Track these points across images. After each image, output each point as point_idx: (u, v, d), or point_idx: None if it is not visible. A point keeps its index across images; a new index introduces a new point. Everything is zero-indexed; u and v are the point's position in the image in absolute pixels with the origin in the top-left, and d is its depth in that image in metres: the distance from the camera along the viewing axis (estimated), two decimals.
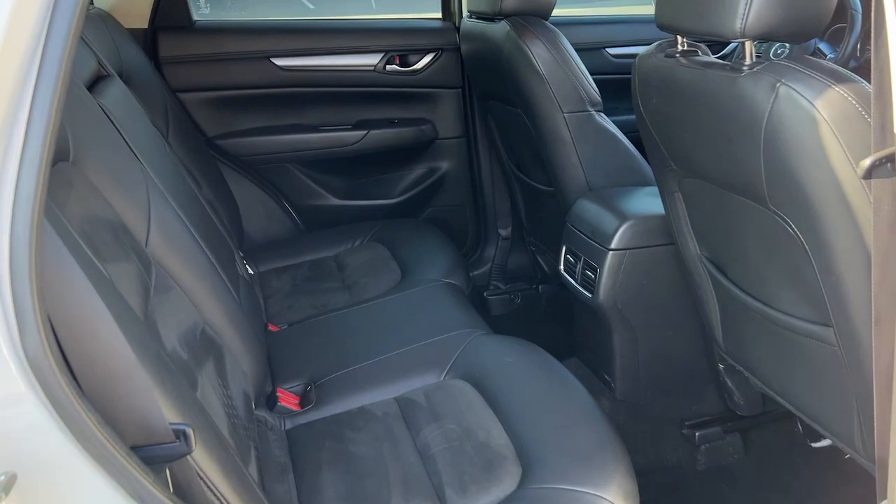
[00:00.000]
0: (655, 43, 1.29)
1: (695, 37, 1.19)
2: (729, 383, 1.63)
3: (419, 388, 1.38)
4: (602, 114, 1.76)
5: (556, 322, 2.38)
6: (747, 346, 1.43)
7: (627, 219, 1.57)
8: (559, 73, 1.69)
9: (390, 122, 2.31)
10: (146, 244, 1.15)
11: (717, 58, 1.18)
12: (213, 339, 1.23)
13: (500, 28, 1.76)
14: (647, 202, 1.65)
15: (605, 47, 2.42)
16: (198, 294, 1.23)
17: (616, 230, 1.57)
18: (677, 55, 1.20)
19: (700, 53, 1.21)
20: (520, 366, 1.38)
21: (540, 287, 2.47)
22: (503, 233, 2.47)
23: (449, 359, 1.43)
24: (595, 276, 1.61)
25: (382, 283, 1.84)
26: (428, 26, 2.29)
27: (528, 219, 2.28)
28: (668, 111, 1.23)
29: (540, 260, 2.42)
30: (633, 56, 2.49)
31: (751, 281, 1.32)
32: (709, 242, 1.40)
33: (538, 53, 1.68)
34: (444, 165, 2.40)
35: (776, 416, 1.70)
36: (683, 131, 1.21)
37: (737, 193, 1.19)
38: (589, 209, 1.69)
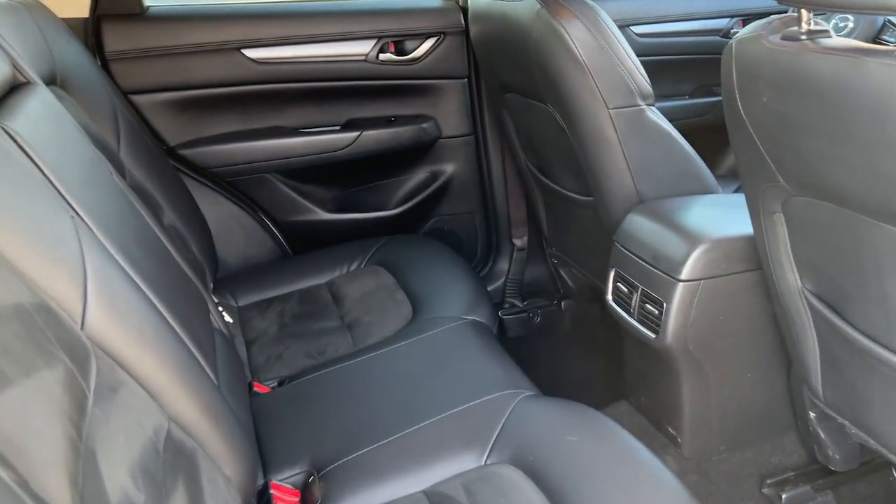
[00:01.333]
0: (758, 22, 0.97)
1: (823, 11, 0.89)
2: (821, 434, 1.34)
3: (455, 478, 1.06)
4: (654, 108, 1.44)
5: (585, 345, 2.07)
6: (860, 398, 1.13)
7: (701, 241, 1.26)
8: (604, 61, 1.37)
9: (386, 121, 1.98)
10: (82, 325, 0.82)
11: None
12: (182, 445, 0.89)
13: (527, 6, 1.43)
14: (718, 217, 1.34)
15: (629, 25, 2.09)
16: (160, 382, 0.89)
17: (687, 256, 1.26)
18: (802, 37, 0.88)
19: (832, 34, 0.90)
20: (584, 447, 1.07)
21: (563, 303, 2.16)
22: (518, 243, 2.15)
23: (490, 435, 1.11)
24: (660, 311, 1.30)
25: (391, 322, 1.51)
26: (428, 6, 1.95)
27: (551, 228, 1.96)
28: (788, 112, 0.91)
29: (563, 273, 2.10)
30: (662, 35, 2.20)
31: (879, 326, 1.02)
32: (819, 275, 1.09)
33: (578, 37, 1.35)
34: (450, 168, 2.07)
35: (874, 467, 1.42)
36: (813, 140, 0.89)
37: (885, 222, 0.88)
38: (646, 227, 1.37)
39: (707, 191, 1.50)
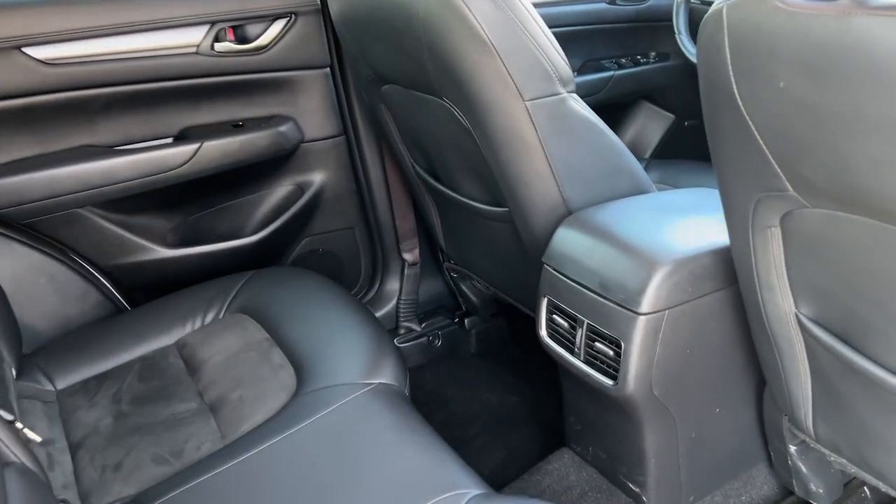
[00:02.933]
0: None
1: None
2: (803, 468, 1.14)
3: None
4: (575, 95, 1.16)
5: (498, 369, 1.80)
6: (870, 437, 0.92)
7: (661, 263, 1.00)
8: (515, 40, 1.07)
9: (232, 127, 1.58)
10: None
11: None
12: None
13: None
14: (673, 228, 1.09)
15: None
16: None
17: (647, 283, 0.99)
18: None
19: None
20: None
21: (466, 321, 1.87)
22: (409, 257, 1.83)
23: None
24: (617, 353, 1.03)
25: (269, 397, 1.16)
26: None
27: (448, 240, 1.66)
28: (821, 103, 0.65)
29: (464, 288, 1.81)
30: (541, 5, 1.93)
31: None
32: (826, 300, 0.86)
33: (481, 9, 1.04)
34: (319, 178, 1.70)
35: (852, 488, 1.24)
36: (859, 139, 0.64)
37: None
38: (584, 246, 1.10)
39: (641, 189, 1.25)
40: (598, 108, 2.02)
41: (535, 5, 1.86)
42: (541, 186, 1.17)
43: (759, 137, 0.73)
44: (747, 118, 0.73)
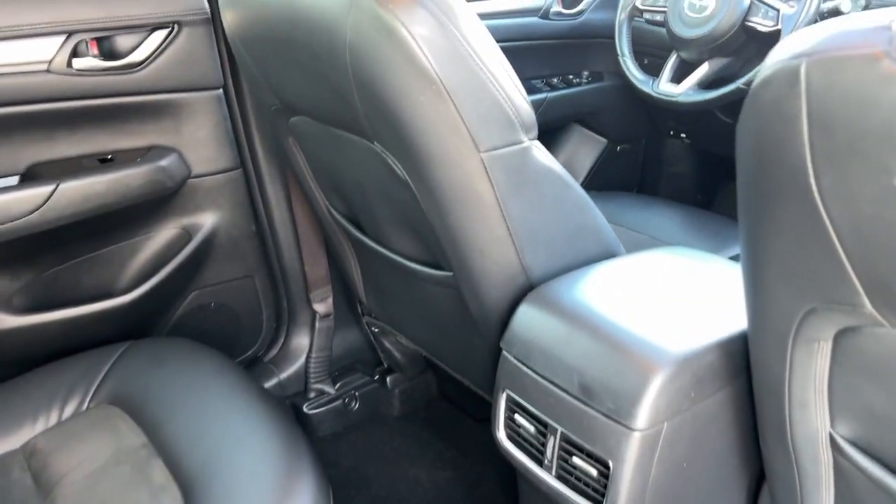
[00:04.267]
0: (838, 28, 0.51)
1: None
2: None
3: None
4: (538, 142, 0.94)
5: (428, 437, 1.57)
6: None
7: (660, 366, 0.79)
8: (470, 76, 0.84)
9: (99, 162, 1.27)
10: None
11: None
12: None
13: None
14: (664, 311, 0.89)
15: None
16: None
17: (643, 392, 0.79)
18: None
19: None
20: None
21: (388, 379, 1.63)
22: (321, 308, 1.57)
23: None
24: (604, 474, 0.82)
25: None
26: None
27: (371, 294, 1.41)
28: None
29: (386, 344, 1.57)
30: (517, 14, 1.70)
31: None
32: (880, 426, 0.68)
33: (427, 38, 0.80)
34: (211, 219, 1.41)
35: None
36: None
37: None
38: (555, 333, 0.88)
39: (609, 249, 1.05)
40: None
41: None
42: (497, 253, 0.95)
43: (836, 240, 0.54)
44: (824, 215, 0.53)
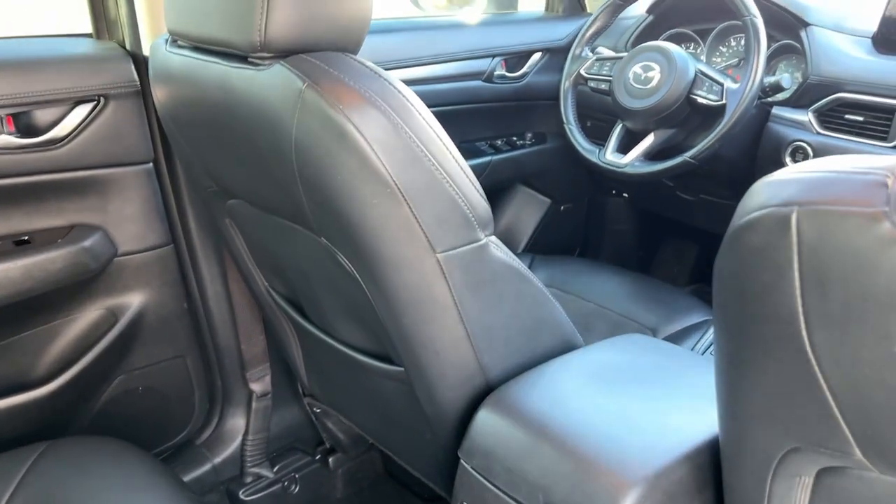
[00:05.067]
0: (823, 175, 0.48)
1: None
2: None
3: None
4: (494, 237, 0.90)
5: None
6: None
7: (630, 484, 0.75)
8: (424, 176, 0.79)
9: (14, 245, 1.16)
10: None
11: None
12: None
13: (279, 79, 0.79)
14: (625, 415, 0.85)
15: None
16: None
17: None
18: None
19: None
20: None
21: (330, 459, 1.55)
22: (258, 387, 1.48)
23: None
24: None
25: None
26: (68, 53, 1.17)
27: (312, 375, 1.33)
28: None
29: (329, 424, 1.49)
30: (414, 83, 1.67)
31: None
32: None
33: (382, 142, 0.75)
34: (138, 299, 1.31)
35: None
36: None
37: None
38: (517, 444, 0.83)
39: (567, 342, 1.01)
40: None
41: (408, 82, 1.62)
42: (454, 354, 0.89)
43: (829, 396, 0.51)
44: (817, 370, 0.50)
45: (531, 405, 0.87)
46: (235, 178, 0.97)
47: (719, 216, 1.82)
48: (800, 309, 0.48)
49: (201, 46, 0.89)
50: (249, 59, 0.82)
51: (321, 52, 0.81)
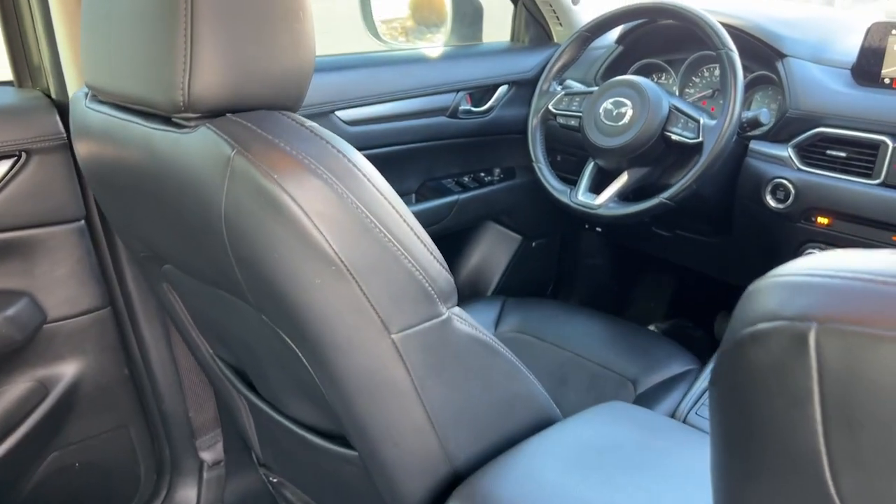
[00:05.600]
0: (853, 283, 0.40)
1: None
2: None
3: None
4: (457, 308, 0.80)
5: None
6: None
7: None
8: (375, 251, 0.69)
9: None
10: None
11: None
12: None
13: (205, 144, 0.69)
14: (602, 500, 0.76)
15: (334, 110, 1.44)
16: None
17: None
18: None
19: None
20: None
21: None
22: (209, 456, 1.36)
23: None
24: None
25: None
26: None
27: (266, 449, 1.22)
28: None
29: (287, 494, 1.37)
30: (376, 120, 1.57)
31: None
32: None
33: (325, 215, 0.65)
34: (73, 368, 1.19)
35: None
36: None
37: None
38: None
39: (543, 416, 0.92)
40: (442, 237, 1.72)
41: (368, 121, 1.53)
42: (415, 443, 0.79)
43: None
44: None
45: (505, 499, 0.77)
46: (166, 245, 0.87)
47: (696, 252, 1.75)
48: (822, 449, 0.39)
49: (121, 104, 0.79)
50: (173, 120, 0.72)
51: (254, 112, 0.71)
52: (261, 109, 0.72)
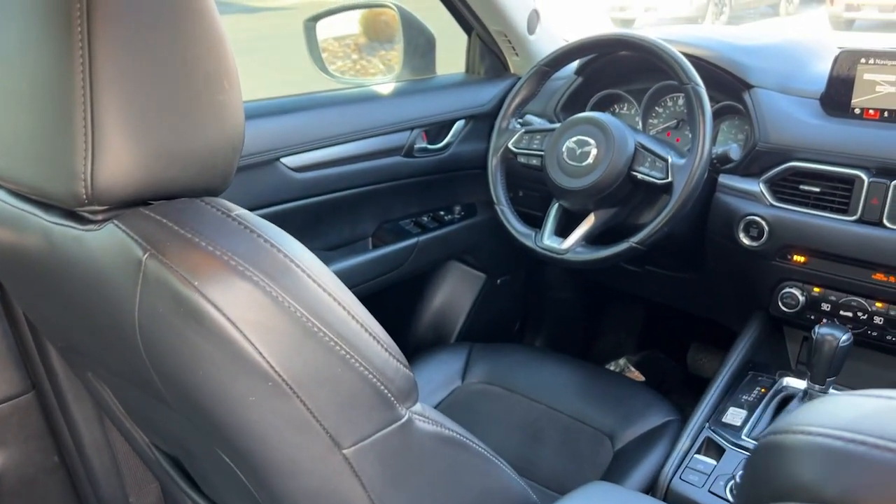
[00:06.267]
0: None
1: None
2: None
3: None
4: (419, 405, 0.71)
5: None
6: None
7: None
8: (320, 361, 0.60)
9: None
10: None
11: None
12: None
13: (105, 243, 0.59)
14: None
15: (279, 157, 1.34)
16: None
17: None
18: None
19: None
20: None
21: None
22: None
23: None
24: None
25: None
26: None
27: None
28: None
29: None
30: (326, 165, 1.46)
31: None
32: None
33: (252, 323, 0.56)
34: None
35: None
36: None
37: None
38: None
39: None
40: (401, 281, 1.62)
41: (317, 166, 1.43)
42: None
43: None
44: None
45: None
46: (82, 343, 0.76)
47: (667, 288, 1.68)
48: None
49: (17, 192, 0.68)
50: (76, 213, 0.62)
51: (171, 202, 0.61)
52: (180, 197, 0.62)
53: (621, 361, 2.04)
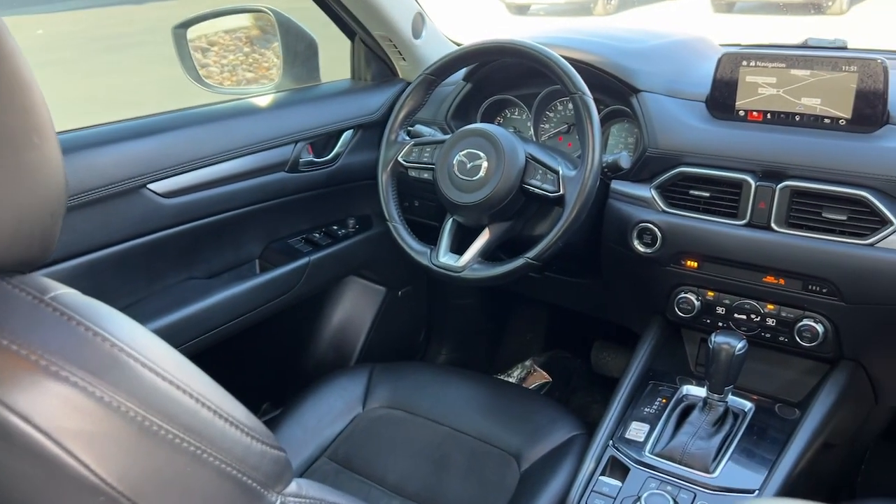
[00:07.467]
0: None
1: None
2: None
3: None
4: (294, 485, 0.64)
5: None
6: None
7: None
8: (157, 459, 0.51)
9: None
10: None
11: None
12: None
13: None
14: None
15: (146, 184, 1.23)
16: None
17: None
18: None
19: None
20: None
21: None
22: None
23: None
24: None
25: None
26: None
27: None
28: None
29: None
30: (200, 188, 1.34)
31: None
32: None
33: (69, 431, 0.47)
34: None
35: None
36: None
37: None
38: None
39: None
40: (296, 303, 1.53)
41: (189, 190, 1.32)
42: None
43: None
44: None
45: None
46: None
47: (567, 292, 1.66)
48: None
49: None
50: None
51: None
52: None
53: (527, 363, 2.02)
